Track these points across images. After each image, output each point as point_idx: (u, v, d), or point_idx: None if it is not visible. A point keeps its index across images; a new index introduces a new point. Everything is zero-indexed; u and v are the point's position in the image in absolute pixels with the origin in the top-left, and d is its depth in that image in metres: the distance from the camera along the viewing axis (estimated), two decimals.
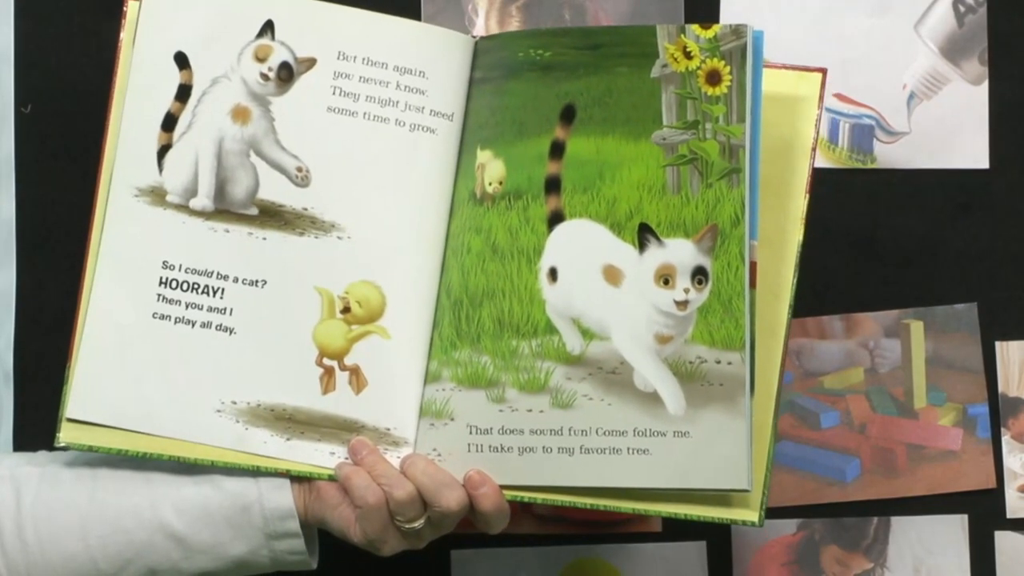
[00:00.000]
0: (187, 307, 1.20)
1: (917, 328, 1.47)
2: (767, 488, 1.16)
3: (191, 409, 1.20)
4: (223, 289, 1.20)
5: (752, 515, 1.17)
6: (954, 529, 1.47)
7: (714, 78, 1.16)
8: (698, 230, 1.15)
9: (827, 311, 1.47)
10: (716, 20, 1.44)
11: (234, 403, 1.20)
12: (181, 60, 1.21)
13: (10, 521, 1.20)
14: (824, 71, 1.20)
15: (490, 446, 1.18)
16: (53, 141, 1.43)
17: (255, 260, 1.21)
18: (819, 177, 1.46)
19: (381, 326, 1.21)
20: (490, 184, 1.21)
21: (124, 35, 1.21)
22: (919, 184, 1.47)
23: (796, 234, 1.19)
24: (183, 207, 1.21)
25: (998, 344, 1.47)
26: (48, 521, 1.20)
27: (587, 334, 1.18)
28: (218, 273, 1.20)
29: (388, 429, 1.20)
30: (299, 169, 1.21)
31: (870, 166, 1.47)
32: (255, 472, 1.20)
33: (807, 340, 1.46)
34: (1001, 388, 1.47)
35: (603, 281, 1.18)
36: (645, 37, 1.17)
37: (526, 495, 1.18)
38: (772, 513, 1.46)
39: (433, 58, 1.22)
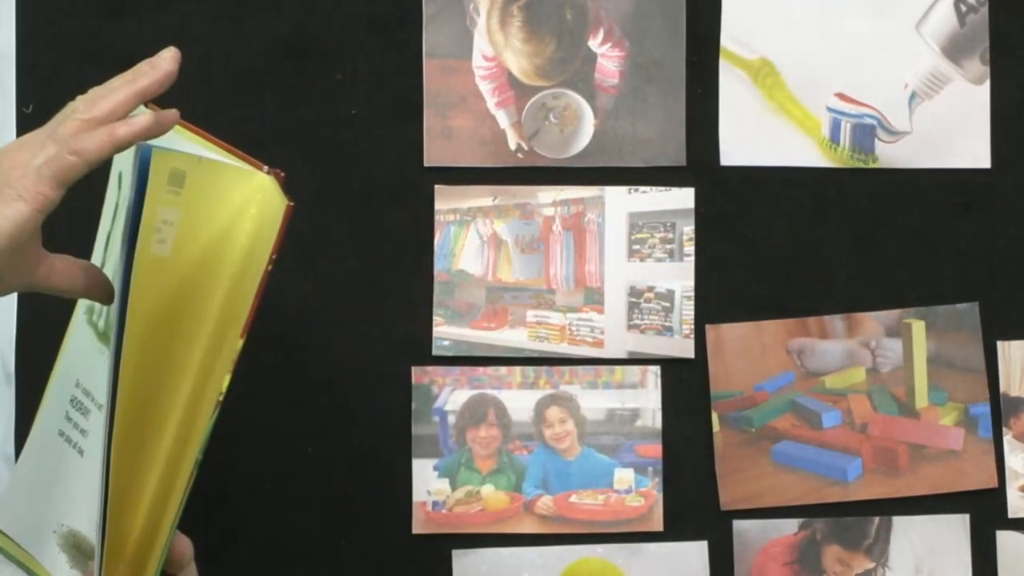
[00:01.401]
0: (74, 426, 1.18)
1: (919, 327, 1.47)
2: None
3: (42, 527, 1.19)
4: (91, 412, 1.17)
5: None
6: (956, 529, 1.47)
7: None
8: None
9: (828, 310, 1.46)
10: (718, 19, 1.45)
11: (62, 525, 1.18)
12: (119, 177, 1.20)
13: None
14: (279, 174, 0.89)
15: None
16: None
17: (104, 382, 1.15)
18: (821, 177, 1.47)
19: None
20: None
21: None
22: (920, 184, 1.47)
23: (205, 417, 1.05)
24: (96, 325, 1.18)
25: (1000, 344, 1.47)
26: None
27: None
28: (93, 396, 1.17)
29: None
30: None
31: (871, 166, 1.47)
32: None
33: (808, 339, 1.46)
34: (1003, 388, 1.47)
35: None
36: None
37: None
38: (774, 513, 1.46)
39: None
